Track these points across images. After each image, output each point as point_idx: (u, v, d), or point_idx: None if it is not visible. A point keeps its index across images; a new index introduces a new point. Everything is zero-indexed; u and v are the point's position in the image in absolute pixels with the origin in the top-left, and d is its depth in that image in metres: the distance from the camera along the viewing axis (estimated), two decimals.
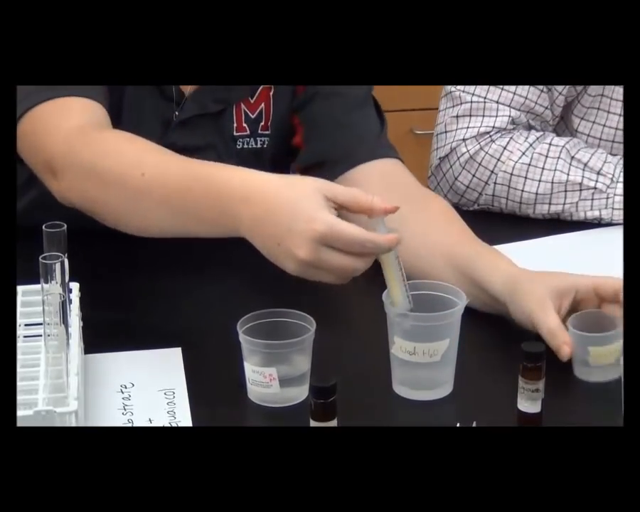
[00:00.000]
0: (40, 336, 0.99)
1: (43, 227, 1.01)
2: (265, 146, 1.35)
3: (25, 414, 0.90)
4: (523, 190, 1.39)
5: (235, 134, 1.33)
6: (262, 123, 1.35)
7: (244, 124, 1.34)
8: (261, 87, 1.33)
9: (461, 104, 1.41)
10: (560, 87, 1.43)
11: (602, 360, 1.05)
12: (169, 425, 1.01)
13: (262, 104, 1.33)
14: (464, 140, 1.40)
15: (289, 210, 1.01)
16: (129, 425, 1.02)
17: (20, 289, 1.07)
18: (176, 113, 1.31)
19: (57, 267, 0.95)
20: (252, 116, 1.34)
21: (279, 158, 1.39)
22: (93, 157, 1.16)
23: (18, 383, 0.97)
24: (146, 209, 1.14)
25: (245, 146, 1.34)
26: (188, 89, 1.32)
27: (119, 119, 1.28)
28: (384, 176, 1.30)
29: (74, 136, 1.17)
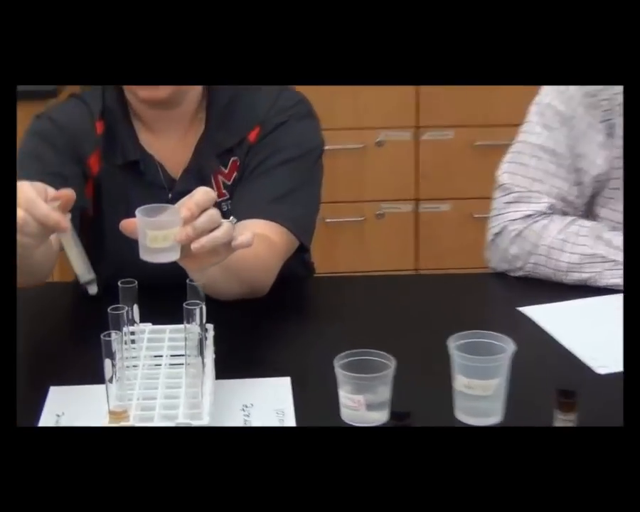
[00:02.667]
0: (182, 364, 1.11)
1: (187, 281, 1.12)
2: None
3: (167, 425, 1.01)
4: (558, 260, 1.48)
5: (218, 200, 1.33)
6: (235, 185, 1.47)
7: (224, 191, 1.47)
8: (231, 159, 1.45)
9: (510, 193, 1.53)
10: (587, 182, 1.51)
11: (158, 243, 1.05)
12: None
13: (235, 173, 1.47)
14: (512, 221, 1.51)
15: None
16: None
17: (167, 328, 1.20)
18: (170, 195, 1.43)
19: (197, 311, 1.06)
20: (229, 183, 1.47)
21: None
22: None
23: (162, 401, 1.07)
24: None
25: (228, 207, 1.46)
26: (177, 174, 1.46)
27: (113, 215, 1.39)
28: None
29: None
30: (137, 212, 1.07)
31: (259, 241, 1.28)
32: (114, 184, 1.46)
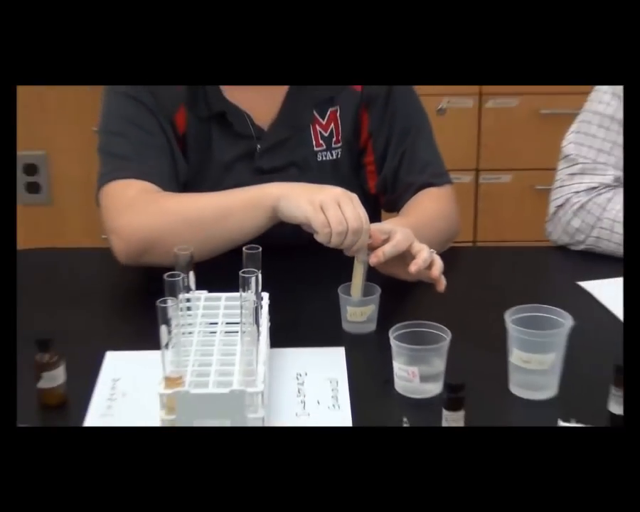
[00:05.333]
0: (237, 332, 1.10)
1: (243, 249, 1.12)
2: (339, 157, 1.51)
3: (222, 392, 1.02)
4: (622, 234, 1.45)
5: (315, 149, 1.49)
6: (334, 138, 1.50)
7: (321, 141, 1.49)
8: (330, 109, 1.48)
9: (575, 164, 1.52)
10: None
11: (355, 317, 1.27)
12: (333, 407, 1.12)
13: (332, 124, 1.49)
14: (576, 192, 1.50)
15: (318, 186, 1.27)
16: (302, 405, 1.13)
17: (223, 295, 1.21)
18: (258, 146, 1.46)
19: (253, 280, 1.07)
20: (326, 134, 1.49)
21: (351, 168, 1.53)
22: (155, 203, 1.34)
23: (217, 367, 1.09)
24: (201, 228, 1.32)
25: (324, 158, 1.50)
26: (264, 124, 1.48)
27: (202, 172, 1.46)
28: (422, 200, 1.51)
29: (135, 198, 1.35)
30: (339, 290, 1.28)
31: (436, 207, 1.50)
32: (201, 138, 1.47)
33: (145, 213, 1.35)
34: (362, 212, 1.23)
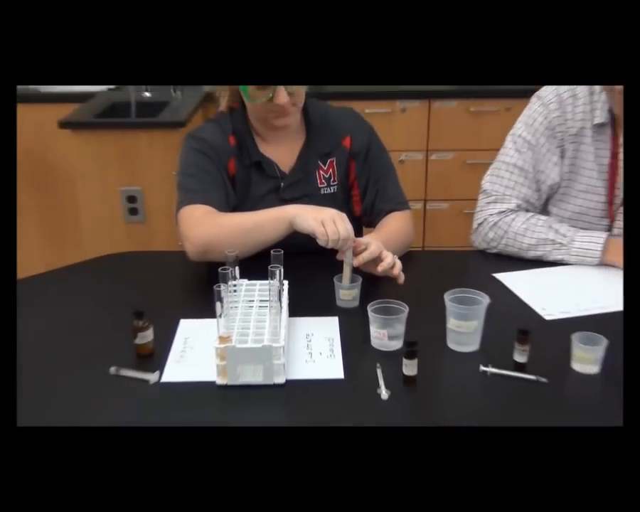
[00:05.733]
0: (267, 307, 1.11)
1: (271, 251, 1.12)
2: (335, 191, 1.50)
3: (256, 346, 1.02)
4: (521, 242, 1.45)
5: (319, 186, 1.48)
6: (332, 179, 1.49)
7: (323, 181, 1.48)
8: (328, 160, 1.46)
9: (490, 196, 1.50)
10: (544, 189, 1.48)
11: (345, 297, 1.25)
12: (330, 357, 1.09)
13: (330, 170, 1.47)
14: (491, 215, 1.49)
15: (320, 207, 1.25)
16: (310, 355, 1.10)
17: (257, 282, 1.20)
18: (282, 183, 1.45)
19: (277, 272, 1.06)
20: (326, 176, 1.47)
21: (343, 199, 1.51)
22: (213, 220, 1.33)
23: (254, 330, 1.06)
24: (243, 235, 1.30)
25: (325, 192, 1.49)
26: (286, 169, 1.46)
27: (244, 201, 1.44)
28: (390, 220, 1.47)
29: (202, 216, 1.34)
30: (334, 279, 1.27)
31: (400, 224, 1.48)
32: (244, 178, 1.46)
33: (206, 227, 1.33)
34: (349, 227, 1.23)
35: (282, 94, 1.34)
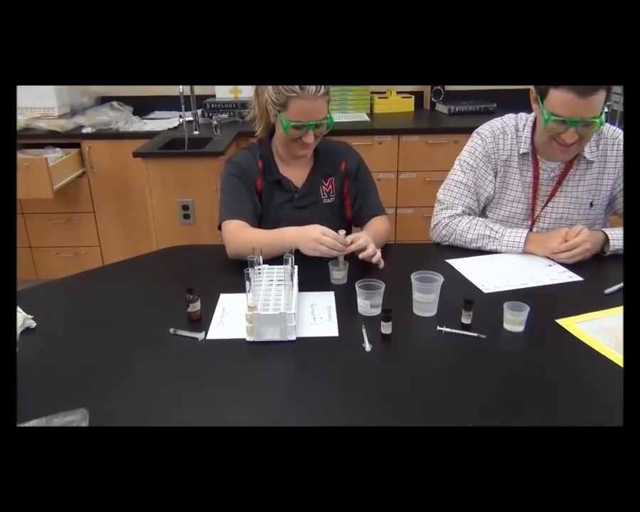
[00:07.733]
0: (283, 284, 1.09)
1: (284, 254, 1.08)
2: (334, 201, 1.46)
3: (275, 313, 0.98)
4: (466, 237, 1.42)
5: (322, 197, 1.45)
6: (331, 192, 1.45)
7: (325, 194, 1.44)
8: (329, 178, 1.42)
9: (443, 204, 1.46)
10: (482, 200, 1.44)
11: (338, 276, 1.19)
12: (328, 320, 1.05)
13: (330, 186, 1.44)
14: (443, 218, 1.45)
15: (309, 229, 1.21)
16: (313, 319, 1.05)
17: (275, 267, 1.16)
18: (296, 195, 1.42)
19: (290, 259, 1.05)
20: (327, 190, 1.44)
21: (339, 207, 1.47)
22: (243, 234, 1.31)
23: (273, 301, 1.03)
24: (262, 247, 1.22)
25: (326, 202, 1.45)
26: (299, 185, 1.40)
27: (268, 208, 1.41)
28: (374, 222, 1.43)
29: (234, 230, 1.32)
30: (329, 264, 1.21)
31: (381, 225, 1.43)
32: (268, 193, 1.43)
33: (237, 241, 1.32)
34: (333, 234, 1.21)
35: (311, 135, 1.33)
